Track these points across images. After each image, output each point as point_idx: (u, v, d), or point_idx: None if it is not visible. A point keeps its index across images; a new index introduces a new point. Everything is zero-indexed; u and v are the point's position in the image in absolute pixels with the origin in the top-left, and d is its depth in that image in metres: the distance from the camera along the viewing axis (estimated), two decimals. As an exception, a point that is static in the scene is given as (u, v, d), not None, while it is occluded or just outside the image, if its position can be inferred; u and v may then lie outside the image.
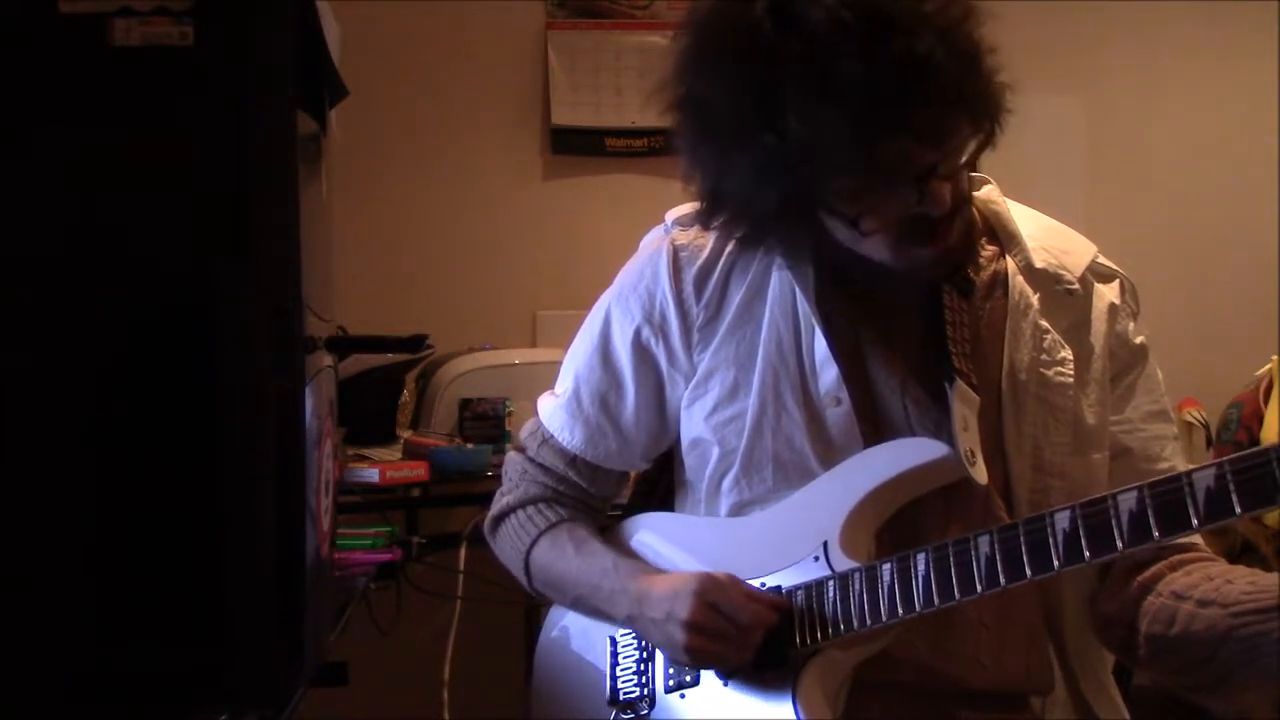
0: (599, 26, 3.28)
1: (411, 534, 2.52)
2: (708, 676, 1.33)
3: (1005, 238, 1.38)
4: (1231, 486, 1.02)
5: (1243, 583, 1.20)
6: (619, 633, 1.42)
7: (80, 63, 1.15)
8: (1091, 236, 1.42)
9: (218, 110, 1.16)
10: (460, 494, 2.58)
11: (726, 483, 1.36)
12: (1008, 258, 1.36)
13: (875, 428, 1.31)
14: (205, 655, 1.16)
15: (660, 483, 1.53)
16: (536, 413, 1.52)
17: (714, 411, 1.36)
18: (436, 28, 3.21)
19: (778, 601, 1.28)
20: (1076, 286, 1.35)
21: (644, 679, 1.39)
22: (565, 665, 1.48)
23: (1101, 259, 1.40)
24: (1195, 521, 1.04)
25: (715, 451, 1.36)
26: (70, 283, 1.16)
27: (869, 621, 1.23)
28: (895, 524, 1.30)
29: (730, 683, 1.31)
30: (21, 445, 1.16)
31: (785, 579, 1.30)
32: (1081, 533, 1.10)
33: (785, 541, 1.31)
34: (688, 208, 1.38)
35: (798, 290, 1.32)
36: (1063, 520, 1.12)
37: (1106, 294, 1.37)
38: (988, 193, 1.40)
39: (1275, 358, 2.84)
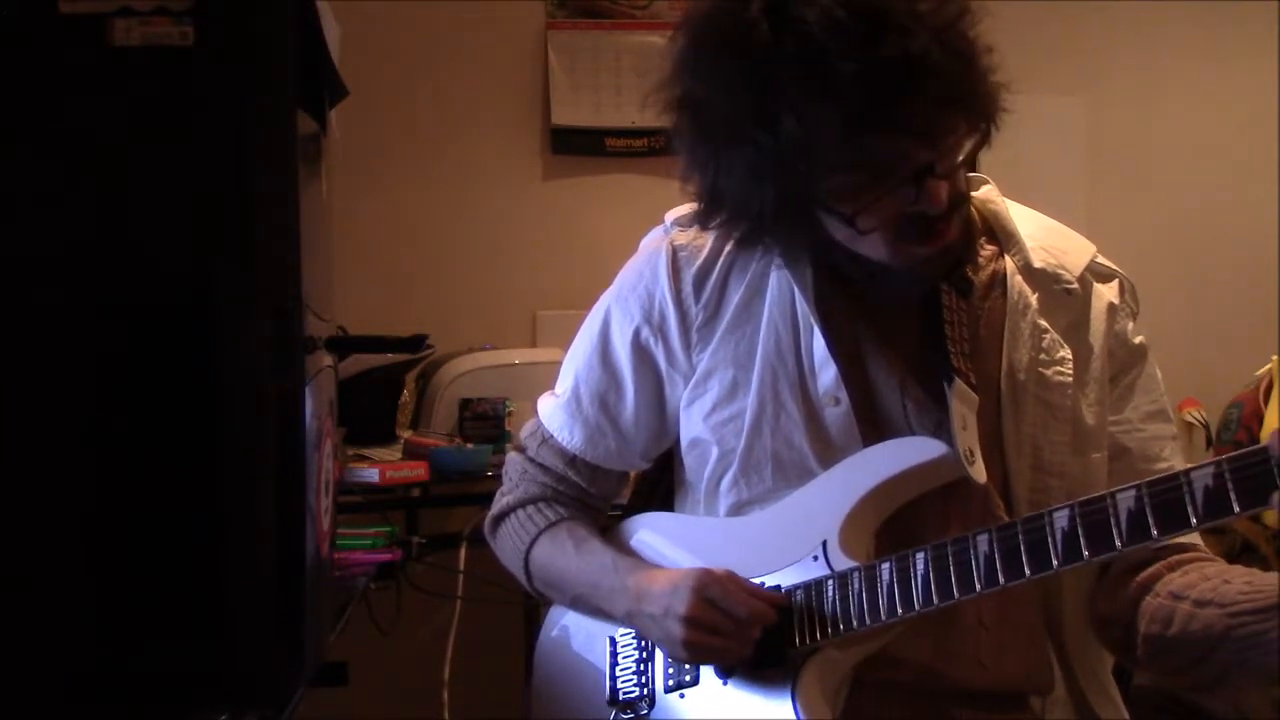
0: (599, 26, 3.28)
1: (411, 534, 2.53)
2: (707, 676, 1.33)
3: (1004, 237, 1.38)
4: (1230, 485, 1.02)
5: (1240, 582, 1.20)
6: (619, 632, 1.42)
7: (80, 63, 1.15)
8: (1091, 236, 1.42)
9: (218, 110, 1.16)
10: (460, 494, 2.58)
11: (725, 482, 1.36)
12: (1006, 257, 1.36)
13: (874, 427, 1.31)
14: (205, 655, 1.16)
15: (661, 483, 1.53)
16: (536, 413, 1.53)
17: (713, 411, 1.36)
18: (436, 28, 3.21)
19: (776, 597, 1.28)
20: (1075, 286, 1.36)
21: (643, 679, 1.39)
22: (565, 665, 1.48)
23: (1100, 259, 1.40)
24: (1194, 520, 1.04)
25: (714, 451, 1.36)
26: (70, 283, 1.16)
27: (868, 621, 1.23)
28: (894, 523, 1.30)
29: (730, 682, 1.31)
30: (21, 445, 1.16)
31: (784, 578, 1.30)
32: (1080, 531, 1.11)
33: (784, 541, 1.31)
34: (687, 208, 1.38)
35: (796, 290, 1.32)
36: (1062, 519, 1.12)
37: (1105, 294, 1.38)
38: (986, 192, 1.40)
39: (1275, 358, 2.85)
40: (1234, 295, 3.49)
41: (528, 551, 1.48)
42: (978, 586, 1.16)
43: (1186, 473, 1.05)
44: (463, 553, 2.54)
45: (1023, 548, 1.14)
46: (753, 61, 1.16)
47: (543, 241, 3.26)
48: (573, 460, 1.48)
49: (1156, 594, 1.26)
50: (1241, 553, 2.65)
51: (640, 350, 1.41)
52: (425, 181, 3.22)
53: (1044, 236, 1.39)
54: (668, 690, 1.36)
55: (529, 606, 2.49)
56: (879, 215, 1.20)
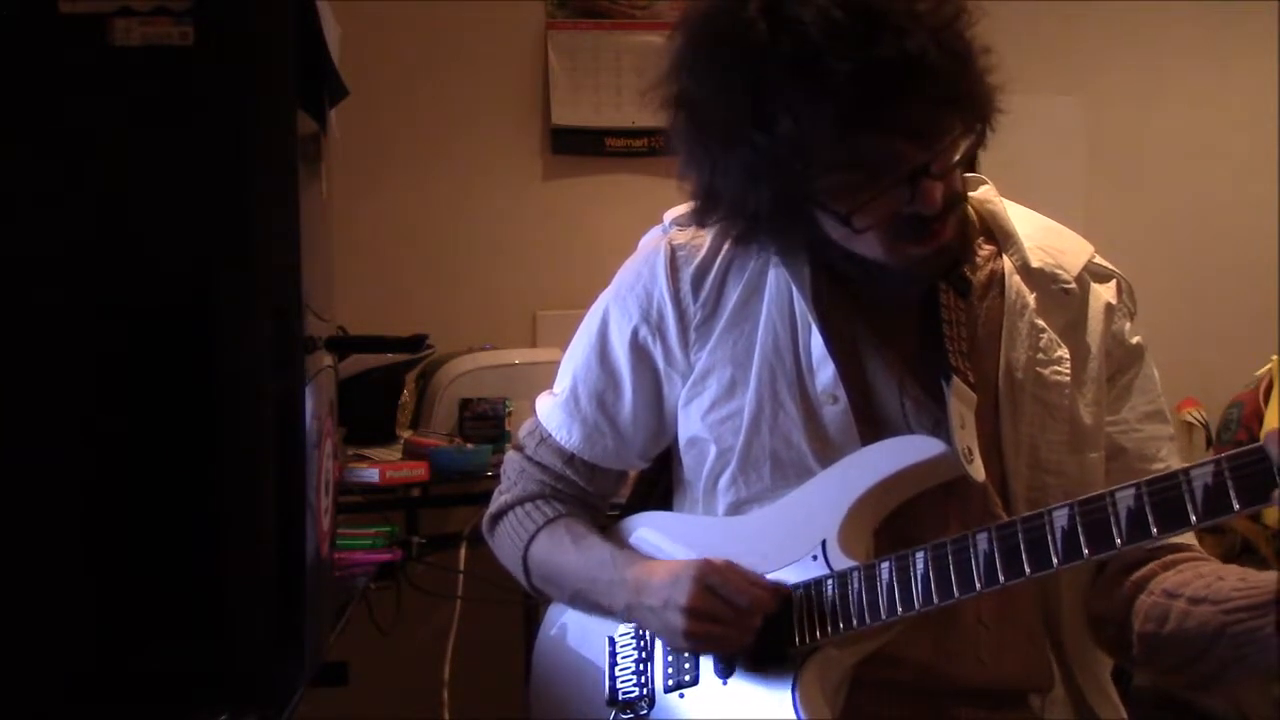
0: (599, 26, 3.28)
1: (411, 534, 2.53)
2: (707, 676, 1.34)
3: (1002, 237, 1.38)
4: (1229, 483, 1.02)
5: (1234, 579, 1.20)
6: (618, 632, 1.42)
7: (80, 63, 1.15)
8: (1090, 236, 1.42)
9: (218, 110, 1.16)
10: (460, 494, 2.58)
11: (724, 481, 1.36)
12: (1004, 257, 1.36)
13: (872, 426, 1.31)
14: (205, 655, 1.16)
15: (659, 482, 1.53)
16: (534, 412, 1.53)
17: (711, 410, 1.36)
18: (436, 28, 3.21)
19: (777, 587, 1.28)
20: (1073, 286, 1.36)
21: (643, 679, 1.39)
22: (564, 664, 1.48)
23: (1098, 259, 1.40)
24: (1193, 518, 1.05)
25: (712, 450, 1.36)
26: (70, 283, 1.16)
27: (868, 620, 1.23)
28: (893, 522, 1.30)
29: (729, 681, 1.31)
30: (22, 445, 1.16)
31: (784, 577, 1.30)
32: (1080, 530, 1.11)
33: (783, 540, 1.31)
34: (686, 208, 1.38)
35: (794, 288, 1.32)
36: (1061, 518, 1.12)
37: (1103, 294, 1.38)
38: (984, 192, 1.40)
39: (1275, 358, 2.85)
40: (1233, 295, 3.49)
41: (526, 548, 1.48)
42: (978, 585, 1.16)
43: (1186, 471, 1.05)
44: (463, 553, 2.55)
45: (1022, 546, 1.14)
46: (749, 61, 1.16)
47: (543, 241, 3.26)
48: (570, 459, 1.48)
49: (1151, 592, 1.26)
50: (1241, 553, 2.65)
51: (638, 349, 1.41)
52: (425, 181, 3.22)
53: (1042, 236, 1.39)
54: (667, 690, 1.36)
55: (529, 606, 2.49)
56: (874, 215, 1.20)
